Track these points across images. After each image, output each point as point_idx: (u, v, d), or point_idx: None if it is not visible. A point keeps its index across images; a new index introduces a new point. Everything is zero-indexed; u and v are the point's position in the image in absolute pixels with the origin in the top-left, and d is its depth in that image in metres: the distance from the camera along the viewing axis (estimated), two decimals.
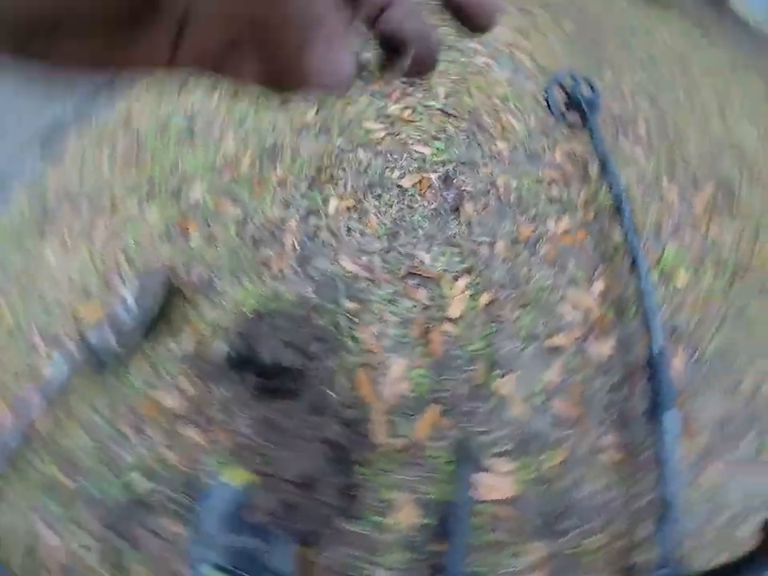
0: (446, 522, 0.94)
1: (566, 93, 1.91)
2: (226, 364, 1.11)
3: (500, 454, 1.04)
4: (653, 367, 1.07)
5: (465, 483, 0.97)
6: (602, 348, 1.20)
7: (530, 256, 1.33)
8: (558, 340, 1.20)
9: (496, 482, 1.00)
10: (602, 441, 1.09)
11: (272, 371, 1.07)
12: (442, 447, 1.03)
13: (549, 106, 1.88)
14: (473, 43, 2.18)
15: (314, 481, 0.91)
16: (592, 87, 1.94)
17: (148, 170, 1.59)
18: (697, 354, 1.27)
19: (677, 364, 1.22)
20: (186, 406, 1.08)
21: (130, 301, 1.21)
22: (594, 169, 1.64)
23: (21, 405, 1.12)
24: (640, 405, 1.13)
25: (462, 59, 2.08)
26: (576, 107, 1.85)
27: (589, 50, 2.55)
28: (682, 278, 1.42)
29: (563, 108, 1.89)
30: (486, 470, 1.01)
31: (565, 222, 1.44)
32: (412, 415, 1.05)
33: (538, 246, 1.36)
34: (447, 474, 1.00)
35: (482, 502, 0.97)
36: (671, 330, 1.28)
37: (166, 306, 1.21)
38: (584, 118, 1.79)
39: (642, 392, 1.14)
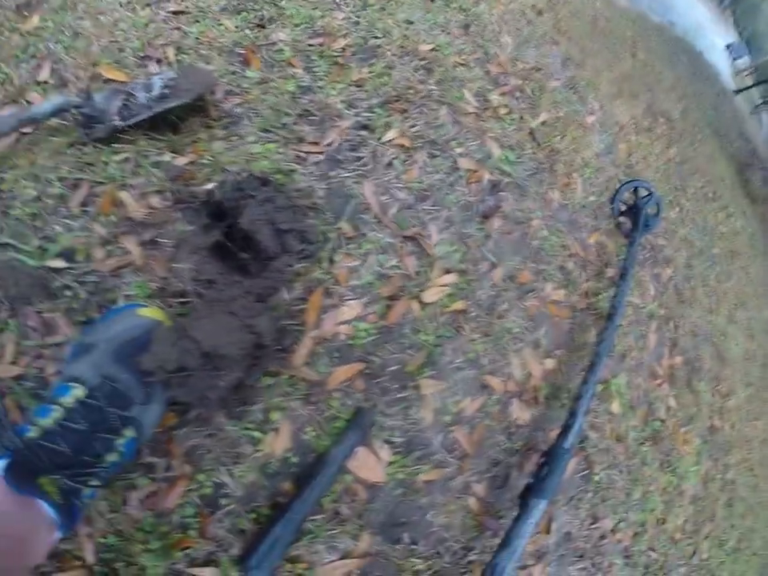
0: (309, 469, 0.92)
1: (635, 199, 1.92)
2: (203, 204, 1.05)
3: (389, 442, 1.03)
4: (553, 456, 1.09)
5: (345, 448, 0.95)
6: (522, 413, 1.22)
7: (516, 298, 1.33)
8: (494, 381, 1.20)
9: (372, 463, 0.99)
10: (472, 487, 1.10)
11: (241, 238, 1.01)
12: (346, 404, 1.01)
13: (614, 197, 1.89)
14: (592, 102, 2.17)
15: (220, 359, 0.85)
16: (658, 211, 1.96)
17: None
18: (583, 474, 1.32)
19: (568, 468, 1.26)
20: (143, 217, 1.01)
21: (158, 84, 1.12)
22: (610, 272, 1.66)
23: None
24: (519, 481, 1.14)
25: (578, 108, 2.06)
26: (633, 216, 1.86)
27: (672, 184, 2.59)
28: (615, 406, 1.47)
29: (623, 208, 1.90)
30: (369, 447, 1.00)
31: (560, 294, 1.45)
32: (337, 359, 1.03)
33: (527, 296, 1.36)
34: (335, 430, 0.98)
35: (350, 472, 0.96)
36: (581, 439, 1.32)
37: (185, 113, 1.14)
38: (634, 228, 1.81)
39: (528, 472, 1.16)
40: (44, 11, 1.26)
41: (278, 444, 0.92)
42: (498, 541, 0.97)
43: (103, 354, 0.75)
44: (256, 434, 0.91)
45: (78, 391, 0.70)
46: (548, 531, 1.20)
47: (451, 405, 1.12)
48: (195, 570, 0.82)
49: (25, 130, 1.05)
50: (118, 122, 1.07)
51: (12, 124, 1.01)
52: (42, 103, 1.03)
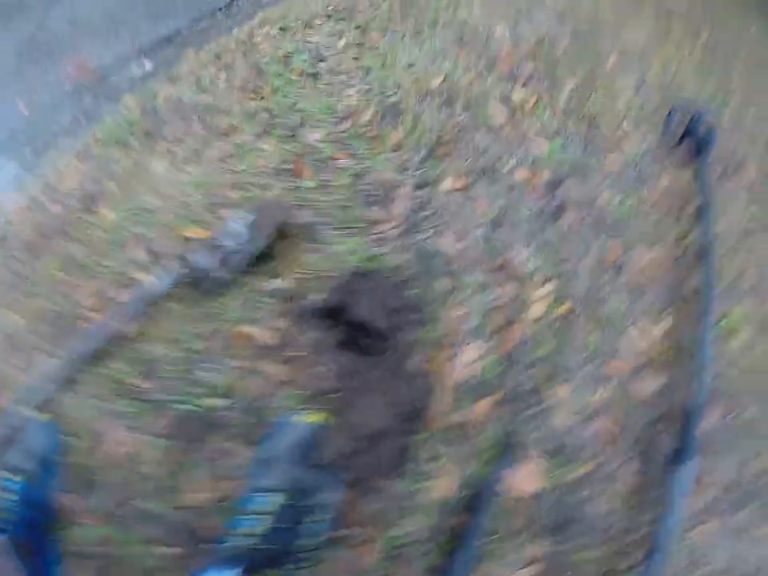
0: (474, 499, 1.05)
1: (687, 122, 1.89)
2: (318, 311, 1.22)
3: (538, 453, 1.13)
4: (687, 418, 1.15)
5: (501, 470, 1.08)
6: (653, 382, 1.28)
7: (612, 279, 1.40)
8: (618, 364, 1.28)
9: (527, 476, 1.10)
10: (624, 468, 1.17)
11: (360, 328, 1.17)
12: (491, 433, 1.13)
13: (667, 129, 1.88)
14: (604, 43, 2.15)
15: (379, 436, 1.02)
16: (711, 128, 1.92)
17: (268, 102, 1.65)
18: (729, 418, 1.34)
19: (708, 421, 1.30)
20: (274, 341, 1.19)
21: (241, 230, 1.29)
22: (692, 207, 1.67)
23: (115, 309, 1.24)
24: (666, 447, 1.20)
25: (594, 57, 2.06)
26: (692, 139, 1.84)
27: (716, 74, 2.47)
28: (740, 339, 1.47)
29: (679, 135, 1.88)
30: (521, 463, 1.11)
31: (652, 254, 1.49)
32: (474, 397, 1.16)
33: (621, 271, 1.42)
34: (488, 458, 1.10)
35: (509, 490, 1.07)
36: (714, 388, 1.35)
37: (273, 242, 1.31)
38: (696, 152, 1.79)
39: (671, 437, 1.22)
40: (108, 201, 1.48)
41: (445, 485, 1.06)
42: (660, 511, 1.05)
43: (284, 462, 0.92)
44: (426, 483, 1.06)
45: (276, 498, 0.87)
46: (707, 486, 1.24)
47: (586, 400, 1.21)
48: None
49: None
50: (224, 275, 1.26)
51: (140, 308, 1.24)
52: (156, 282, 1.25)
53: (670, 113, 1.91)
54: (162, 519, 1.01)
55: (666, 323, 1.39)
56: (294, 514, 0.86)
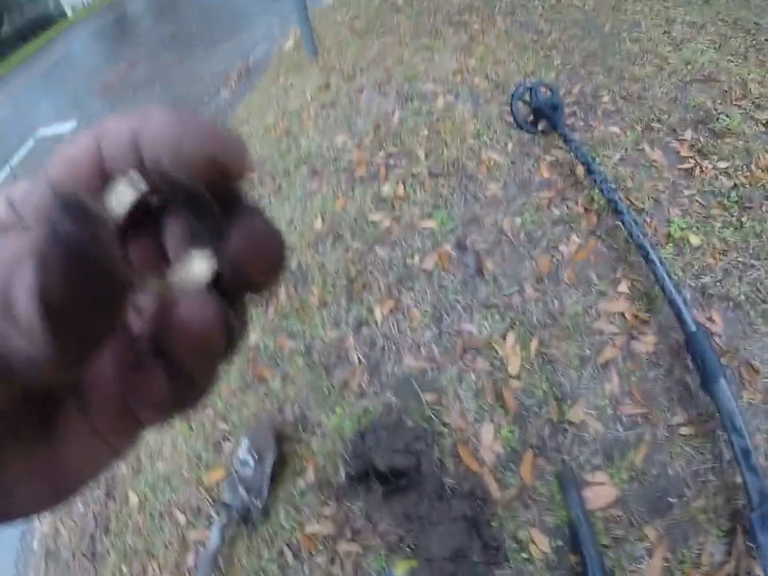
0: (573, 537, 1.11)
1: (529, 103, 2.02)
2: (349, 482, 1.31)
3: (593, 468, 1.19)
4: (693, 345, 1.20)
5: (576, 502, 1.14)
6: (646, 344, 1.34)
7: (556, 287, 1.48)
8: (608, 353, 1.34)
9: (599, 492, 1.16)
10: (673, 421, 1.22)
11: (390, 475, 1.27)
12: (547, 481, 1.20)
13: (517, 123, 2.01)
14: (428, 85, 2.32)
15: (461, 550, 1.10)
16: (550, 89, 2.05)
17: None
18: (731, 303, 1.39)
19: (717, 319, 1.35)
20: (333, 526, 1.28)
21: (248, 457, 1.41)
22: (583, 172, 1.77)
23: None
24: (695, 379, 1.24)
25: (424, 107, 2.22)
26: (541, 114, 1.96)
27: (531, 42, 2.64)
28: (694, 239, 1.53)
29: (530, 119, 2.01)
30: (587, 485, 1.17)
31: (574, 240, 1.58)
32: (513, 465, 1.23)
33: (559, 274, 1.51)
34: (559, 501, 1.16)
35: (594, 511, 1.13)
36: (701, 290, 1.41)
37: (279, 450, 1.42)
38: (552, 121, 1.91)
39: (692, 368, 1.26)
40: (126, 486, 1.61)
41: (540, 547, 1.12)
42: (726, 437, 1.10)
43: None
44: (523, 555, 1.12)
45: None
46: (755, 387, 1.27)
47: (601, 401, 1.27)
48: None
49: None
50: (255, 502, 1.36)
51: (210, 567, 1.34)
52: (212, 536, 1.35)
53: (510, 107, 2.05)
54: None
55: (623, 286, 1.46)
56: None
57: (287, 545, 1.31)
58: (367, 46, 3.11)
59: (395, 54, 2.82)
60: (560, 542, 1.13)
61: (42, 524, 1.79)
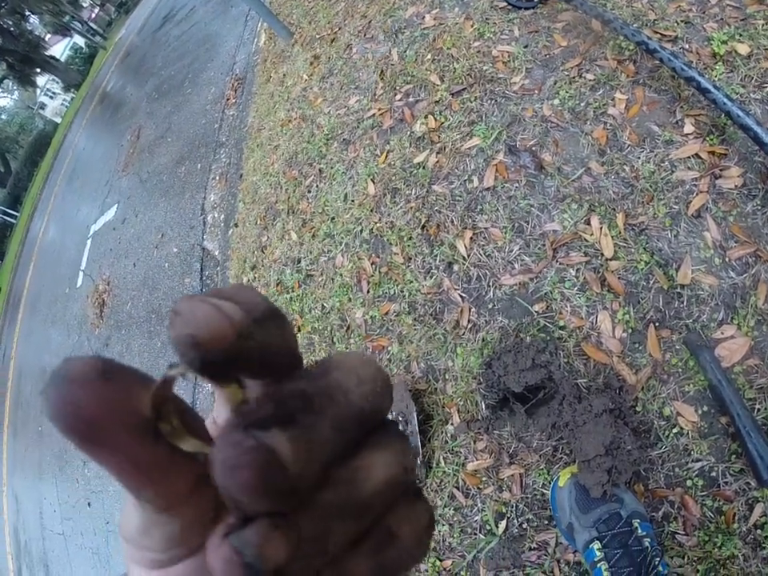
0: (717, 399, 1.14)
1: None
2: (492, 412, 1.41)
3: (718, 324, 1.20)
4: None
5: (712, 364, 1.15)
6: (733, 178, 1.31)
7: (621, 153, 1.47)
8: (697, 201, 1.31)
9: (731, 347, 1.16)
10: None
11: (527, 393, 1.34)
12: (676, 351, 1.22)
13: (511, 4, 1.93)
14: (409, 10, 2.26)
15: (613, 442, 1.15)
16: None
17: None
18: None
19: None
20: (490, 457, 1.39)
21: (399, 418, 1.54)
22: (599, 25, 1.69)
23: None
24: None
25: (415, 33, 2.17)
26: None
27: None
28: (741, 48, 1.44)
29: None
30: (717, 342, 1.18)
31: (620, 98, 1.54)
32: (639, 346, 1.26)
33: (619, 139, 1.49)
34: (694, 367, 1.19)
35: (732, 366, 1.14)
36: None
37: (420, 406, 1.53)
38: None
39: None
40: None
41: (687, 417, 1.17)
42: None
43: (579, 522, 1.12)
44: (674, 430, 1.18)
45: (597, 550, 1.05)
46: None
47: (706, 252, 1.26)
48: None
49: None
50: (419, 466, 1.51)
51: None
52: None
53: None
54: None
55: (687, 126, 1.41)
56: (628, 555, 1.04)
57: (455, 487, 1.43)
58: (332, 3, 3.03)
59: None
60: (705, 408, 1.16)
61: None
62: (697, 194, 1.33)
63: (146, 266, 4.07)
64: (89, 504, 3.63)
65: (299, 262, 2.18)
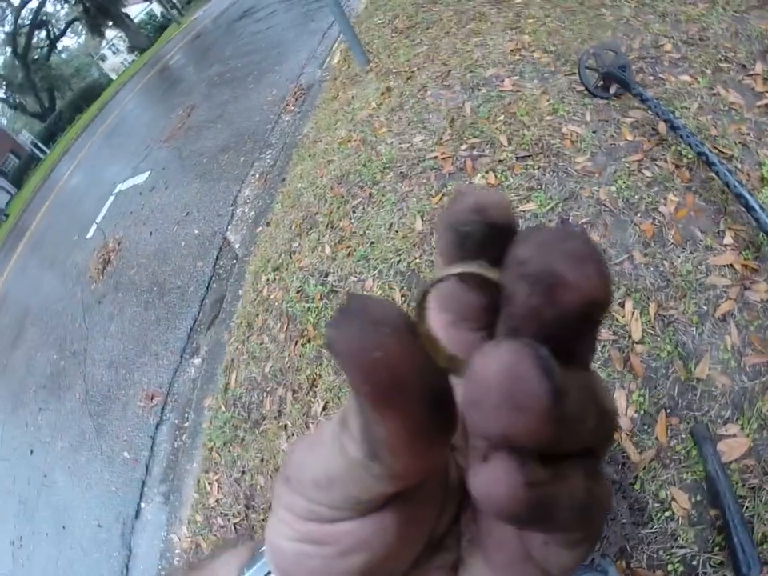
0: (711, 491, 1.21)
1: (596, 69, 2.08)
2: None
3: (724, 422, 1.29)
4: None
5: (713, 456, 1.23)
6: (760, 292, 1.41)
7: (663, 248, 1.59)
8: (724, 306, 1.42)
9: (732, 444, 1.25)
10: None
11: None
12: (682, 439, 1.30)
13: (589, 91, 2.08)
14: (490, 70, 2.41)
15: (610, 514, 1.23)
16: (613, 50, 2.10)
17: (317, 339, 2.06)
18: None
19: None
20: None
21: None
22: (666, 128, 1.83)
23: None
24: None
25: (492, 93, 2.32)
26: (610, 77, 2.02)
27: (577, 4, 2.65)
28: None
29: (601, 84, 2.08)
30: (720, 438, 1.26)
31: (672, 199, 1.67)
32: (648, 428, 1.35)
33: (664, 235, 1.61)
34: (695, 457, 1.27)
35: (729, 463, 1.23)
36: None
37: None
38: (623, 83, 1.96)
39: None
40: None
41: (680, 504, 1.24)
42: None
43: None
44: (666, 513, 1.24)
45: None
46: None
47: (724, 355, 1.37)
48: None
49: None
50: None
51: None
52: None
53: (579, 75, 2.11)
54: None
55: (728, 238, 1.53)
56: None
57: None
58: (415, 43, 3.22)
59: (446, 45, 2.92)
60: (699, 498, 1.23)
61: (181, 540, 2.02)
62: (726, 300, 1.44)
63: (163, 238, 4.09)
64: (31, 451, 3.45)
65: (326, 275, 2.28)
